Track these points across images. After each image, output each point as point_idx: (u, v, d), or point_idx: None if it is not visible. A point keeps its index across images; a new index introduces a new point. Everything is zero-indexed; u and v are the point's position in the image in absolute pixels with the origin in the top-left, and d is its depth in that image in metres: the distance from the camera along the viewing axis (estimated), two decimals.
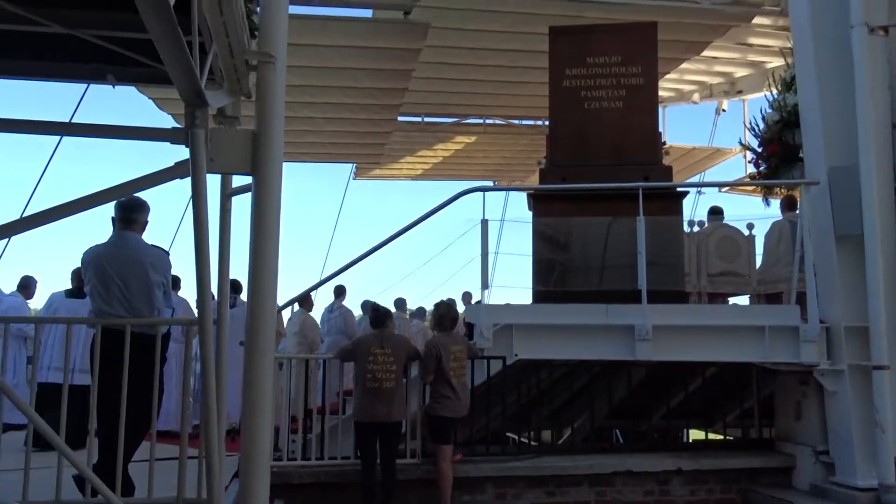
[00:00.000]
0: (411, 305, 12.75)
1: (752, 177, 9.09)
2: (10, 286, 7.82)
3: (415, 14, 7.36)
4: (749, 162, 9.32)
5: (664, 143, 7.68)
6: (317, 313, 10.33)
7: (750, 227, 7.86)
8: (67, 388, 3.98)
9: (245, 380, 3.17)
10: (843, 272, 6.23)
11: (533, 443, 7.25)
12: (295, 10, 4.75)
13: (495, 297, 7.32)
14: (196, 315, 3.29)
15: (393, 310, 7.83)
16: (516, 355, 6.31)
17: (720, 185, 12.86)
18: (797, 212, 7.03)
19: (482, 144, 13.27)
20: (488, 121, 12.49)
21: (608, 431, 8.68)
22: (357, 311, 11.13)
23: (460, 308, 10.75)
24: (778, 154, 7.61)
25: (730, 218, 8.11)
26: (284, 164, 3.31)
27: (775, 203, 8.09)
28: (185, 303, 7.46)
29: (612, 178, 6.80)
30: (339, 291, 10.53)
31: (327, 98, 9.58)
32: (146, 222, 4.68)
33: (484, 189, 6.83)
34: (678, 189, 7.36)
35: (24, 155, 34.06)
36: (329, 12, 7.61)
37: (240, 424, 3.71)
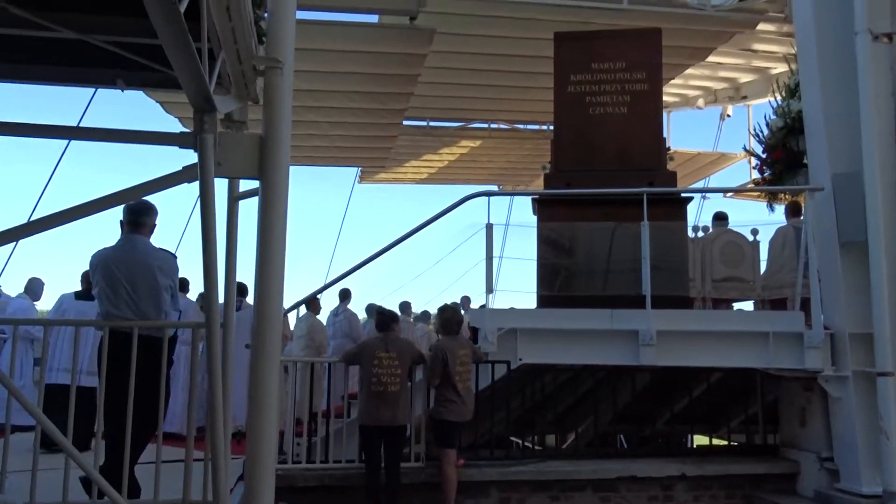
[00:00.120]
0: (416, 309, 12.76)
1: (756, 182, 9.09)
2: (19, 289, 7.89)
3: (420, 20, 7.39)
4: (753, 168, 9.33)
5: (668, 148, 7.68)
6: (323, 317, 10.33)
7: (754, 232, 7.86)
8: (75, 389, 4.00)
9: (251, 383, 3.18)
10: (847, 278, 6.24)
11: (537, 447, 7.24)
12: (301, 15, 4.78)
13: (500, 302, 7.35)
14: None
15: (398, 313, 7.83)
16: (521, 359, 6.31)
17: (725, 190, 12.90)
18: (801, 218, 7.03)
19: (487, 149, 13.27)
20: (493, 125, 12.48)
21: (612, 436, 8.65)
22: (362, 315, 11.13)
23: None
24: (782, 160, 7.61)
25: (734, 223, 8.13)
26: (291, 168, 3.33)
27: (780, 209, 8.09)
28: (193, 305, 7.49)
29: (617, 183, 6.83)
30: (345, 295, 10.53)
31: (333, 102, 9.61)
32: (154, 226, 4.73)
33: (489, 194, 6.86)
34: (682, 194, 7.36)
35: (32, 158, 34.14)
36: (335, 17, 7.66)
37: (245, 427, 3.73)
